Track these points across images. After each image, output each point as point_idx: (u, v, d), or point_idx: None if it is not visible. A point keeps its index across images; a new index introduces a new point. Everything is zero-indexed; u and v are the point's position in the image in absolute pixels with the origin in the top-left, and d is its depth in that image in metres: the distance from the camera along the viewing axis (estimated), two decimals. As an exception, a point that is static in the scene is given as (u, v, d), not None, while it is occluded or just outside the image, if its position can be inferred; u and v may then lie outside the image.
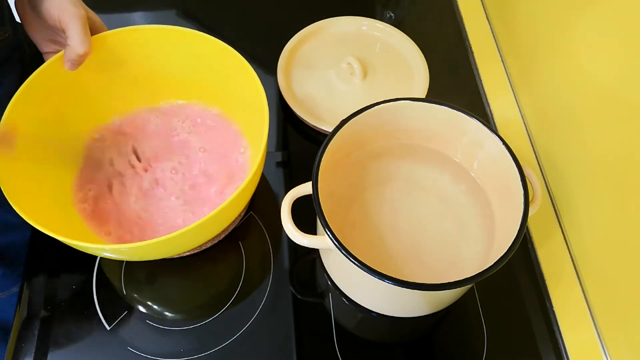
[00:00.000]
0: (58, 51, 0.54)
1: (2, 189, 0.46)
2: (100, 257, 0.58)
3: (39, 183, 0.52)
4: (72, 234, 0.48)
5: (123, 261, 0.57)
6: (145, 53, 0.58)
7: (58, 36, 0.55)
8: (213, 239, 0.57)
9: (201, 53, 0.57)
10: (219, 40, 0.55)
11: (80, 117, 0.58)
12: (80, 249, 0.46)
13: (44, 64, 0.52)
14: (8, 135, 0.49)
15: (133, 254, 0.49)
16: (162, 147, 0.60)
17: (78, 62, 0.51)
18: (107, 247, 0.45)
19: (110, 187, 0.57)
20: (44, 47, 0.55)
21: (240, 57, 0.54)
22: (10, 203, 0.45)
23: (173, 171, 0.58)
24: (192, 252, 0.57)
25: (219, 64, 0.56)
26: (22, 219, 0.44)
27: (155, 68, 0.59)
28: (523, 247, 0.59)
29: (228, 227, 0.58)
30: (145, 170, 0.58)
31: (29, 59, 0.62)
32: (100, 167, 0.58)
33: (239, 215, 0.59)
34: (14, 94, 0.50)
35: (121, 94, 0.60)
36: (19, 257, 0.63)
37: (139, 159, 0.59)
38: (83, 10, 0.51)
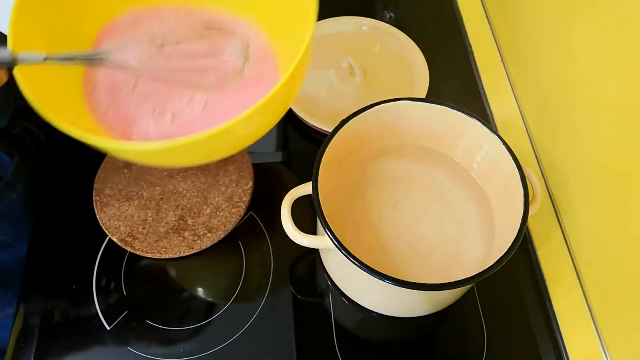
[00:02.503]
0: None
1: (27, 94, 0.41)
2: (101, 256, 0.57)
3: (54, 84, 0.47)
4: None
5: (123, 261, 0.57)
6: None
7: None
8: (213, 238, 0.57)
9: None
10: None
11: (91, 12, 0.52)
12: (100, 149, 0.41)
13: None
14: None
15: (165, 154, 0.43)
16: (182, 39, 0.51)
17: None
18: (132, 145, 0.40)
19: (124, 86, 0.52)
20: None
21: None
22: (33, 104, 0.40)
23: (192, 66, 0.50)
24: (192, 252, 0.57)
25: None
26: (14, 238, 0.42)
27: None
28: (523, 247, 0.59)
29: (228, 227, 0.58)
30: (160, 67, 0.50)
31: None
32: (115, 65, 0.50)
33: (239, 215, 0.59)
34: None
35: None
36: (12, 277, 0.61)
37: (156, 52, 0.50)
38: None
